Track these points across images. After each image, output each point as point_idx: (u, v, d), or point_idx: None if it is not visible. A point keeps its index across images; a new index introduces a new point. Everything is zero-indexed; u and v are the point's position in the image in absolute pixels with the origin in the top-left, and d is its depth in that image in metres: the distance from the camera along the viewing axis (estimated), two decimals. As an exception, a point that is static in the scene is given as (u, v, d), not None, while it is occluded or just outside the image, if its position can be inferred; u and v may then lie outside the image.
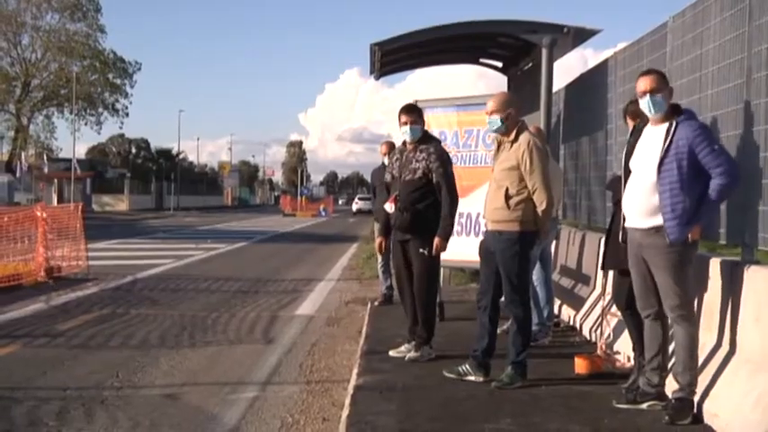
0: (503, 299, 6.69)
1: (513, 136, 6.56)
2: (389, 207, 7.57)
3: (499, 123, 6.58)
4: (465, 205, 10.83)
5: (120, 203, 72.24)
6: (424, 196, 7.37)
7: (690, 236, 5.30)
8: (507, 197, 6.42)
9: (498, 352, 6.67)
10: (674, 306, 5.36)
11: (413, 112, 7.53)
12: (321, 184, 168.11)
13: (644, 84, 5.49)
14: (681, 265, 5.35)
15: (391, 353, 7.62)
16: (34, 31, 61.23)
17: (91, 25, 63.20)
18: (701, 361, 5.55)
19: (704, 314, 5.84)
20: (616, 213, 6.29)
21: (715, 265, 5.74)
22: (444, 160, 7.43)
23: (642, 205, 5.45)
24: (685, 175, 5.24)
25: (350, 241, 29.27)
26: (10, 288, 13.31)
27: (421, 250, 7.38)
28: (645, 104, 5.50)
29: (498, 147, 6.72)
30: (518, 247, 6.46)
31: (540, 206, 6.41)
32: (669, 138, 5.30)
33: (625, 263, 5.81)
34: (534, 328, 8.10)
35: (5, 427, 5.91)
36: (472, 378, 6.57)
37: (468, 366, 6.64)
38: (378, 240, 8.50)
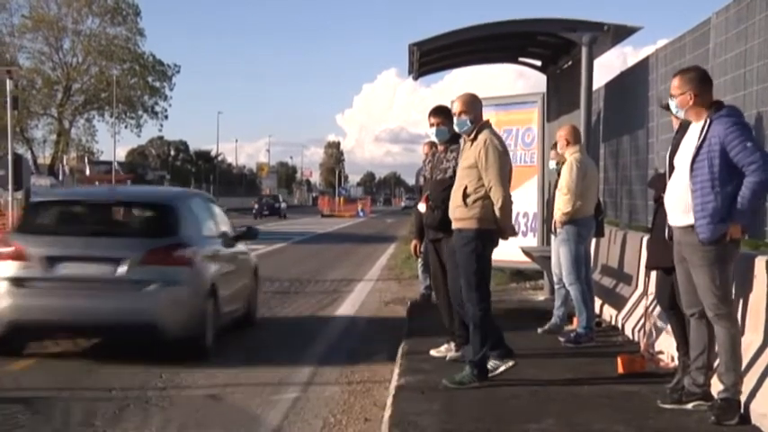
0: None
1: (473, 135, 6.59)
2: (422, 207, 7.60)
3: (468, 124, 6.61)
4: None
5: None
6: None
7: (729, 234, 5.18)
8: (465, 195, 6.44)
9: (544, 351, 6.61)
10: (712, 305, 5.26)
11: (440, 114, 7.50)
12: (359, 184, 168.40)
13: (672, 86, 5.44)
14: (718, 263, 5.23)
15: (432, 352, 7.62)
16: (75, 35, 61.90)
17: (130, 29, 63.74)
18: (747, 361, 5.47)
19: (749, 313, 5.77)
20: (658, 211, 6.22)
21: (760, 264, 5.66)
22: None
23: (679, 203, 5.38)
24: (717, 174, 5.13)
25: (388, 241, 29.25)
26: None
27: None
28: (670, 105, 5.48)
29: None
30: (475, 245, 6.45)
31: (497, 204, 6.41)
32: (703, 135, 5.22)
33: (668, 261, 5.74)
34: (580, 330, 8.06)
35: (52, 426, 6.02)
36: (503, 368, 6.51)
37: (493, 361, 6.56)
38: (413, 243, 8.51)
